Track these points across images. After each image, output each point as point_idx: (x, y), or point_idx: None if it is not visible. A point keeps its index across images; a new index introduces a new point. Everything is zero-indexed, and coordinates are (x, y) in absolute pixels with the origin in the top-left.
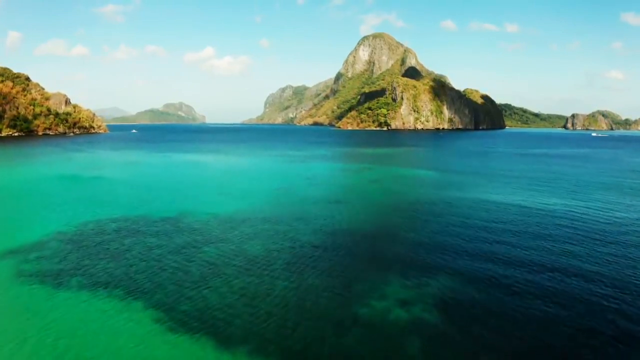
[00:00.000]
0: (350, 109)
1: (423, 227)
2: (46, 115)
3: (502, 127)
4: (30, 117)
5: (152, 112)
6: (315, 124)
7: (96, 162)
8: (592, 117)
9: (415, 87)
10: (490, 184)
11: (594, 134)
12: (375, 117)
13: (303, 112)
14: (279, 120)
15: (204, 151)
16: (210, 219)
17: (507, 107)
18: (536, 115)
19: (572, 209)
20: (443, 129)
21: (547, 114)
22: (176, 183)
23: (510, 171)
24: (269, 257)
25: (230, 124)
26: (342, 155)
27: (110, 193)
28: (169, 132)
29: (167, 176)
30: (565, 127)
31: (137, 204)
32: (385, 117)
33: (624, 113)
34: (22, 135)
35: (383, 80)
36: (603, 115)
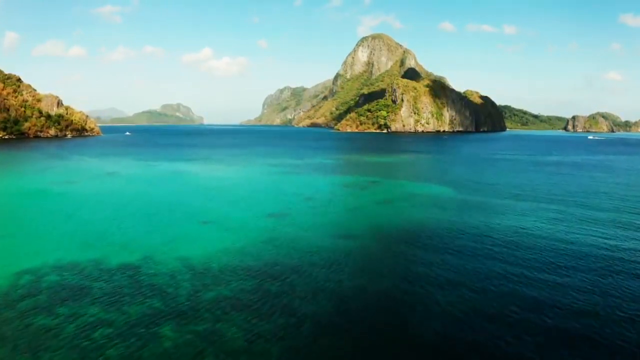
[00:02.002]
0: (348, 110)
1: (458, 286)
2: (37, 118)
3: (503, 129)
4: (21, 120)
5: (150, 113)
6: (313, 125)
7: (72, 172)
8: (593, 119)
9: (415, 88)
10: (519, 206)
11: (590, 137)
12: (374, 119)
13: (301, 113)
14: (277, 121)
15: (193, 159)
16: (179, 269)
17: (507, 108)
18: (536, 116)
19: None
20: (444, 131)
21: (547, 116)
22: (151, 205)
23: (535, 187)
24: (251, 353)
25: (228, 125)
26: (343, 164)
27: (68, 220)
28: (163, 134)
29: (143, 194)
30: (565, 129)
31: (93, 240)
32: (385, 119)
33: (623, 115)
34: (12, 138)
35: (382, 81)
36: (603, 117)
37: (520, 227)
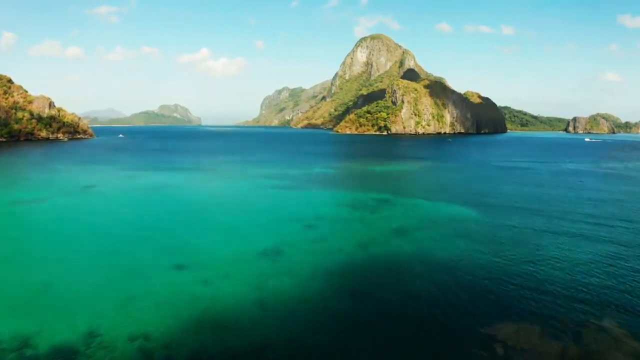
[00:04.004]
0: (347, 111)
1: None
2: (28, 120)
3: (504, 130)
4: (11, 122)
5: (148, 114)
6: (312, 126)
7: (44, 186)
8: (594, 120)
9: (416, 90)
10: (560, 240)
11: (586, 139)
12: (374, 121)
13: (299, 114)
14: (275, 122)
15: (182, 168)
16: (133, 358)
17: (506, 109)
18: (535, 117)
19: None
20: (445, 133)
21: (547, 117)
22: (117, 237)
23: (568, 207)
24: None
25: (226, 127)
26: (346, 175)
27: (10, 262)
28: (157, 137)
29: (112, 219)
30: (566, 130)
31: (30, 297)
32: (385, 121)
33: (622, 116)
34: (1, 141)
35: (381, 82)
36: (604, 118)
37: (575, 276)
